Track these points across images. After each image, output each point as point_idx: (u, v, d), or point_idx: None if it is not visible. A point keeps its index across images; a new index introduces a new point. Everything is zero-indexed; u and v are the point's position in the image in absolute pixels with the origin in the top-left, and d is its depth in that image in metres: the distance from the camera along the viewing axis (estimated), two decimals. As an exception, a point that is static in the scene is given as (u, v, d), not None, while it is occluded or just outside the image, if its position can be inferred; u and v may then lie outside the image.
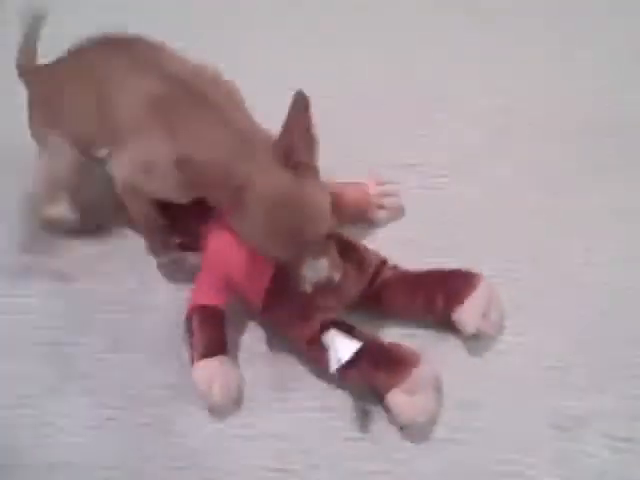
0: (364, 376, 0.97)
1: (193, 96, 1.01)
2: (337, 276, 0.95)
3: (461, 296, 1.02)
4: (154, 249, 1.18)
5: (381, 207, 1.19)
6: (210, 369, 1.04)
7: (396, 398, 0.97)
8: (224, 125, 0.98)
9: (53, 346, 1.14)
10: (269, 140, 0.97)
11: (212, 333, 1.05)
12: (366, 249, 1.09)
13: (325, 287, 0.95)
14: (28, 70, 1.23)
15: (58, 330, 1.15)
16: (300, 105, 0.93)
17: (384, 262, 1.09)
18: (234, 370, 1.06)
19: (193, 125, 0.99)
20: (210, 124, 0.98)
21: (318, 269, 0.93)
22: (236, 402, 1.05)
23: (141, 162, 1.05)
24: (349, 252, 1.05)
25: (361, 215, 1.19)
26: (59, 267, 1.23)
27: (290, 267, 0.96)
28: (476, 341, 1.06)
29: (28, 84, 1.23)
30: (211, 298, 1.06)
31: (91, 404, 1.08)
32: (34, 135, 1.23)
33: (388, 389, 0.97)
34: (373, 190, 1.19)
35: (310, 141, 0.95)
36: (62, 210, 1.24)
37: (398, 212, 1.21)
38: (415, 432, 1.00)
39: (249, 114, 1.04)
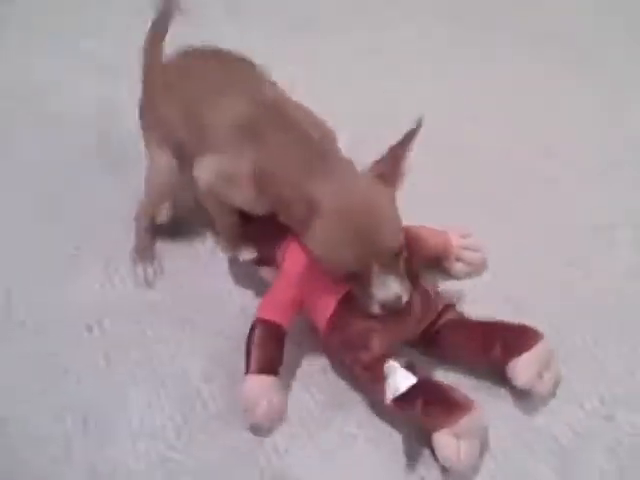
0: (417, 411, 0.99)
1: (279, 118, 1.06)
2: (405, 297, 0.95)
3: (520, 349, 1.03)
4: (227, 248, 1.21)
5: (460, 260, 1.18)
6: (260, 387, 1.05)
7: (443, 439, 0.99)
8: (302, 143, 1.02)
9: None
10: (348, 160, 1.01)
11: (270, 351, 1.07)
12: (435, 290, 1.11)
13: (392, 309, 0.94)
14: (147, 66, 1.27)
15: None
16: (412, 135, 0.96)
17: (450, 305, 1.11)
18: (282, 392, 1.08)
19: (275, 144, 1.03)
20: (289, 143, 1.02)
21: (387, 285, 0.93)
22: (276, 423, 1.07)
23: (225, 173, 1.10)
24: (418, 287, 1.06)
25: (438, 262, 1.18)
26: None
27: (359, 283, 0.97)
28: (526, 399, 1.08)
29: (143, 82, 1.28)
30: (277, 315, 1.08)
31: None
32: (142, 134, 1.27)
33: (437, 429, 0.99)
34: (456, 241, 1.18)
35: (401, 170, 0.98)
36: (165, 213, 1.30)
37: (479, 268, 1.18)
38: (455, 476, 1.02)
39: (328, 131, 1.09)
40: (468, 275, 1.18)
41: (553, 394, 1.08)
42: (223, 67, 1.16)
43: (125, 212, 1.32)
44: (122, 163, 1.49)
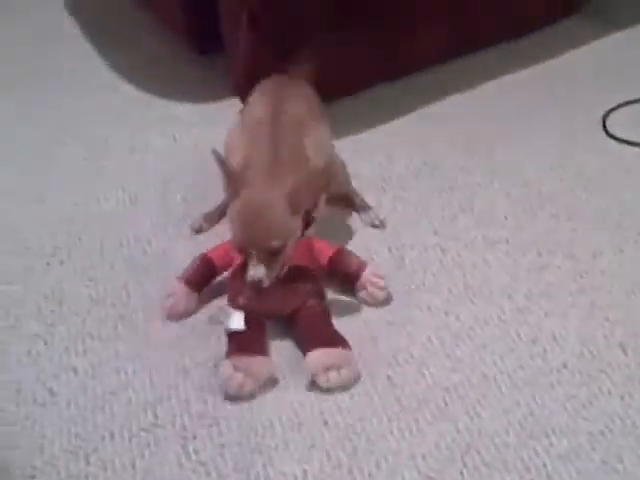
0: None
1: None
2: (266, 284, 1.13)
3: (323, 344, 1.14)
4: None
5: (364, 289, 1.24)
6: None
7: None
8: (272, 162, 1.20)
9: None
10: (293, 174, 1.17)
11: (200, 274, 1.26)
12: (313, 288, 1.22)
13: (253, 288, 1.14)
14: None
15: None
16: None
17: (324, 310, 1.20)
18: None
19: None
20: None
21: (254, 270, 1.13)
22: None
23: None
24: (287, 283, 1.18)
25: (346, 280, 1.26)
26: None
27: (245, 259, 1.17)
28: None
29: None
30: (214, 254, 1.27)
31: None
32: None
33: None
34: (367, 274, 1.24)
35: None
36: None
37: (378, 303, 1.24)
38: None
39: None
40: (367, 303, 1.24)
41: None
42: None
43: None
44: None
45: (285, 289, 1.18)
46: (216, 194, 1.33)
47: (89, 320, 1.23)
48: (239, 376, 1.10)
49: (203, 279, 1.26)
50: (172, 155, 1.58)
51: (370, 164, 1.52)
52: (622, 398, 1.08)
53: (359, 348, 1.15)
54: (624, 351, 1.15)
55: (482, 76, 1.75)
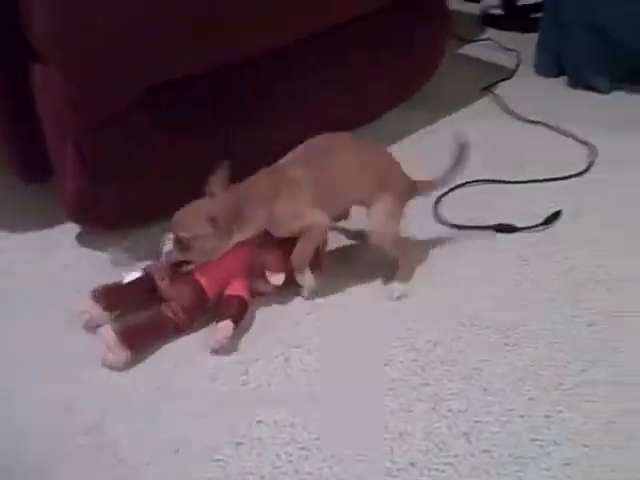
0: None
1: None
2: (171, 259, 1.37)
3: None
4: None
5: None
6: None
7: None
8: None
9: None
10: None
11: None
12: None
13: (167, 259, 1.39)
14: None
15: None
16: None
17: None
18: None
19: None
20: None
21: (166, 246, 1.40)
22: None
23: None
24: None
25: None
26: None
27: None
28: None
29: None
30: None
31: None
32: None
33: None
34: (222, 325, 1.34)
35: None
36: None
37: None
38: None
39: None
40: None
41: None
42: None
43: None
44: None
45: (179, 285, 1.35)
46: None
47: None
48: None
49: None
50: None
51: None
52: (468, 490, 1.10)
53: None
54: (468, 440, 1.17)
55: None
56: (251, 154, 1.48)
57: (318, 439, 1.18)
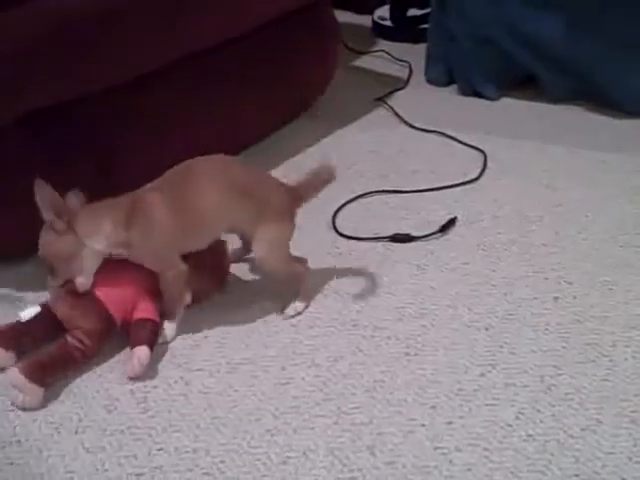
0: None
1: None
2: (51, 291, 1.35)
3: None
4: None
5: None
6: None
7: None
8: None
9: None
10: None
11: None
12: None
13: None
14: None
15: None
16: None
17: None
18: None
19: None
20: None
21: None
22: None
23: None
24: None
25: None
26: None
27: None
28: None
29: None
30: None
31: None
32: None
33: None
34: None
35: None
36: None
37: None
38: None
39: None
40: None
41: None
42: None
43: None
44: None
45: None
46: None
47: None
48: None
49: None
50: None
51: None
52: (372, 503, 1.09)
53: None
54: (372, 453, 1.17)
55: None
56: (134, 176, 1.43)
57: (222, 462, 1.16)
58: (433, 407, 1.24)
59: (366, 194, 1.77)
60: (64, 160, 1.51)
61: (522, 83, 2.24)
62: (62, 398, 1.26)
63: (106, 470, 1.14)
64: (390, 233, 1.64)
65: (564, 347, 1.35)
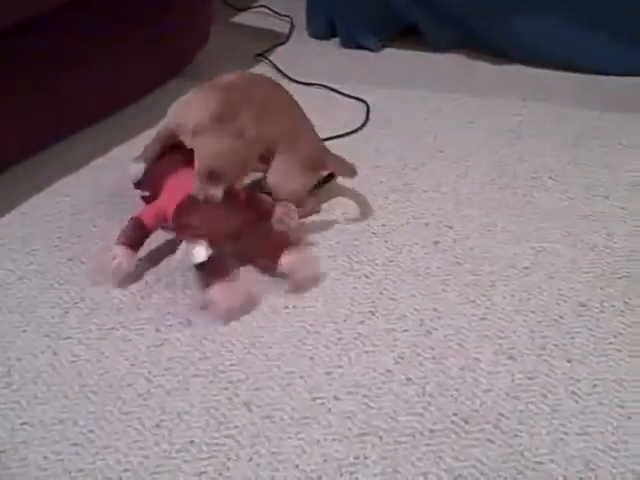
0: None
1: None
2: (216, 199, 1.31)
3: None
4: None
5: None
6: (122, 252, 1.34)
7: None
8: None
9: None
10: None
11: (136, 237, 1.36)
12: None
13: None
14: None
15: None
16: None
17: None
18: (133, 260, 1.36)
19: None
20: None
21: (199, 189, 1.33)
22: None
23: None
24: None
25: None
26: None
27: None
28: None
29: None
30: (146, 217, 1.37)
31: None
32: None
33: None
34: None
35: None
36: None
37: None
38: None
39: None
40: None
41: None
42: None
43: None
44: None
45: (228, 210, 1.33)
46: None
47: None
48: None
49: (139, 240, 1.36)
50: None
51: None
52: (250, 460, 1.06)
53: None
54: (249, 409, 1.13)
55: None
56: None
57: (91, 432, 1.10)
58: (311, 358, 1.21)
59: (246, 150, 1.71)
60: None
61: (405, 33, 2.22)
62: None
63: (-34, 450, 1.08)
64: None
65: (444, 290, 1.34)
